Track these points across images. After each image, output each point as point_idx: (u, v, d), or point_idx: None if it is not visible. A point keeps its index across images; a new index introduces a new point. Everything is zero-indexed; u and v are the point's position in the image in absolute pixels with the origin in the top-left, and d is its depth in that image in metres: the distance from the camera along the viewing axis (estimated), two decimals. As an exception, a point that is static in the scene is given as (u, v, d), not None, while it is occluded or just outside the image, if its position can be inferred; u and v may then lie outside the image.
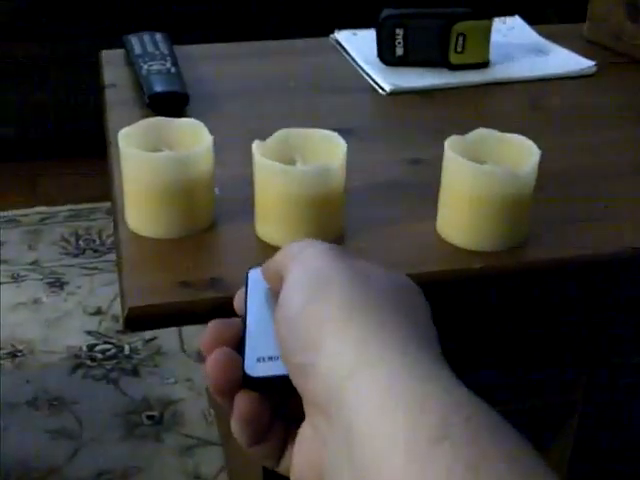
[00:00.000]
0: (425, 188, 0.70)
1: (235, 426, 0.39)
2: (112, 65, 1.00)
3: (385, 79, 0.96)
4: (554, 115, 0.92)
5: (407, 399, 0.31)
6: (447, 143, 0.64)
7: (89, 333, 1.68)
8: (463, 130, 0.66)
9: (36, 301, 1.77)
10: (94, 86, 1.01)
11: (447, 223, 0.66)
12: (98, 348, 1.64)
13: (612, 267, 0.67)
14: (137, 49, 0.97)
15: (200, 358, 1.55)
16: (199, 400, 1.48)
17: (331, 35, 1.12)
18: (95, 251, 1.95)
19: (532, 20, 1.17)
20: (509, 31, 1.13)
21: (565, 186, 0.75)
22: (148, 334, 1.66)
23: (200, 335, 0.42)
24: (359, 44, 1.07)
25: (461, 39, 0.97)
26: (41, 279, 1.84)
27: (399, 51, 0.99)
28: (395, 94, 0.94)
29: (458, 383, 0.32)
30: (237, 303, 0.44)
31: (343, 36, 1.11)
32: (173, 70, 0.91)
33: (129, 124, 0.66)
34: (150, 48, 0.97)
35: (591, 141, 0.85)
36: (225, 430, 1.29)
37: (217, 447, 1.40)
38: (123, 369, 1.59)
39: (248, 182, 0.64)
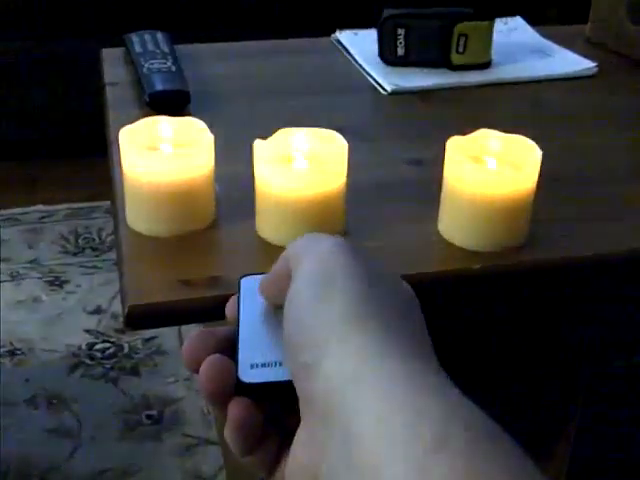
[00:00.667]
0: (426, 188, 0.70)
1: (229, 434, 0.38)
2: (113, 64, 1.00)
3: (386, 79, 0.96)
4: (555, 116, 0.92)
5: (406, 408, 0.31)
6: (448, 143, 0.64)
7: (88, 332, 1.68)
8: (464, 130, 0.66)
9: (35, 300, 1.77)
10: (94, 85, 1.01)
11: (448, 223, 0.66)
12: (97, 347, 1.64)
13: (612, 268, 0.67)
14: (138, 48, 0.97)
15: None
16: (198, 399, 1.47)
17: (332, 35, 1.12)
18: (94, 250, 1.95)
19: (534, 21, 1.17)
20: (511, 32, 1.13)
21: (566, 187, 0.74)
22: (148, 333, 1.66)
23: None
24: (360, 44, 1.07)
25: (463, 39, 0.97)
26: (40, 278, 1.84)
27: (400, 51, 0.99)
28: (396, 94, 0.94)
29: (457, 393, 0.32)
30: (229, 310, 0.44)
31: (344, 36, 1.11)
32: (174, 69, 0.91)
33: (130, 123, 0.66)
34: (151, 47, 0.97)
35: (592, 142, 0.85)
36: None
37: (216, 446, 1.40)
38: (122, 368, 1.59)
39: (249, 181, 0.64)
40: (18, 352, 1.62)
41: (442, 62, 0.99)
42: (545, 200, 0.67)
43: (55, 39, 2.17)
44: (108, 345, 1.65)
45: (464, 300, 0.68)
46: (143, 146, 0.64)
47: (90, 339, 1.66)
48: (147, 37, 1.00)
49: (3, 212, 2.07)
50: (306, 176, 0.61)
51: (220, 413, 0.39)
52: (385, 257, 0.63)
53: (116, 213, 0.68)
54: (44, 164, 2.28)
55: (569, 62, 1.04)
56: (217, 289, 0.58)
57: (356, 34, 1.11)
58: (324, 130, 0.65)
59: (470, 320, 0.73)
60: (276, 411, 0.39)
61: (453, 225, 0.65)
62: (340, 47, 1.09)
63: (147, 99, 0.86)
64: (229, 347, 0.40)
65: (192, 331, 0.41)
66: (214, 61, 1.03)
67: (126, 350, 1.63)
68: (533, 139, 0.65)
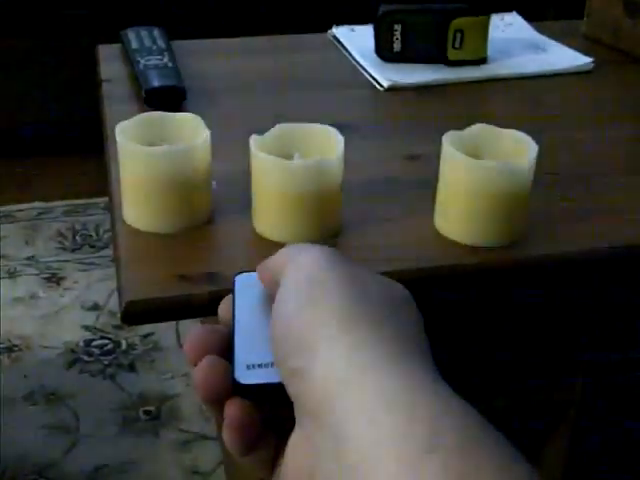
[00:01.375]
0: (423, 183, 0.70)
1: (226, 435, 0.38)
2: (109, 60, 1.00)
3: (383, 75, 0.96)
4: (552, 111, 0.92)
5: (397, 409, 0.31)
6: (445, 138, 0.64)
7: (86, 328, 1.68)
8: (461, 126, 0.66)
9: (33, 296, 1.77)
10: (91, 81, 1.01)
11: (445, 218, 0.66)
12: (95, 343, 1.64)
13: (609, 263, 0.67)
14: (134, 44, 0.97)
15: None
16: (196, 395, 1.47)
17: (329, 31, 1.12)
18: (92, 246, 1.95)
19: (530, 16, 1.17)
20: (507, 27, 1.13)
21: (562, 182, 0.75)
22: (145, 329, 1.66)
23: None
24: (357, 40, 1.07)
25: (459, 35, 0.97)
26: (38, 274, 1.84)
27: (397, 47, 0.99)
28: (393, 90, 0.94)
29: (449, 393, 0.32)
30: (222, 311, 0.44)
31: (341, 32, 1.11)
32: (170, 65, 0.91)
33: (126, 119, 0.66)
34: (147, 43, 0.97)
35: (589, 137, 0.85)
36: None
37: (214, 442, 1.40)
38: (120, 364, 1.59)
39: (245, 177, 0.64)
40: (16, 349, 1.62)
41: (438, 58, 0.99)
42: (541, 195, 0.67)
43: (51, 35, 2.17)
44: (106, 341, 1.65)
45: (460, 295, 0.68)
46: (139, 142, 0.64)
47: (88, 335, 1.66)
48: (143, 33, 1.00)
49: (0, 209, 2.06)
50: (303, 172, 0.61)
51: (216, 414, 0.39)
52: (382, 252, 0.64)
53: (113, 209, 0.68)
54: (41, 161, 2.28)
55: (565, 57, 1.04)
56: (214, 284, 0.58)
57: (353, 30, 1.11)
58: (321, 126, 0.65)
59: (466, 315, 0.73)
60: (273, 410, 0.39)
61: (450, 220, 0.65)
62: (337, 43, 1.09)
63: (144, 95, 0.85)
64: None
65: (190, 327, 0.41)
66: (211, 57, 1.03)
67: (124, 346, 1.63)
68: (529, 134, 0.65)
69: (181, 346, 1.60)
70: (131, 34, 1.00)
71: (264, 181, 0.63)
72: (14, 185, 2.19)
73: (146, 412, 1.48)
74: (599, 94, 0.97)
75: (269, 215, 0.64)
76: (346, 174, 0.64)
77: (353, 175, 0.67)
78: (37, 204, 2.10)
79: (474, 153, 0.64)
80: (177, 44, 1.00)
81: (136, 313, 0.58)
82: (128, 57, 0.96)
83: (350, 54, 1.04)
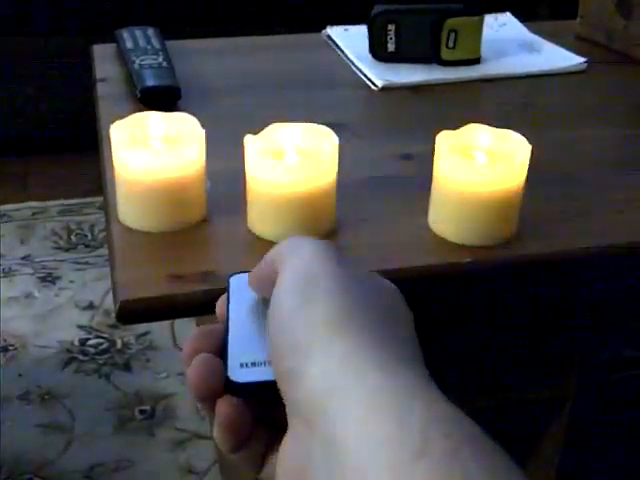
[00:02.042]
0: (417, 183, 0.70)
1: (217, 432, 0.38)
2: (104, 59, 1.00)
3: (377, 75, 0.97)
4: (545, 111, 0.92)
5: (389, 414, 0.31)
6: (438, 138, 0.64)
7: (81, 327, 1.68)
8: (454, 125, 0.66)
9: (28, 296, 1.77)
10: (85, 80, 1.01)
11: (438, 218, 0.66)
12: (90, 342, 1.64)
13: (601, 263, 0.68)
14: (129, 43, 0.97)
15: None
16: (191, 394, 1.48)
17: (323, 31, 1.12)
18: (87, 246, 1.95)
19: (523, 17, 1.17)
20: (500, 27, 1.13)
21: (555, 182, 0.75)
22: (140, 329, 1.66)
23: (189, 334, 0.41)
24: (351, 40, 1.08)
25: (453, 35, 0.97)
26: (33, 274, 1.84)
27: (391, 47, 1.00)
28: (387, 89, 0.95)
29: (440, 397, 0.32)
30: (219, 309, 0.44)
31: (335, 32, 1.11)
32: (165, 64, 0.91)
33: (121, 118, 0.66)
34: (142, 43, 0.97)
35: (581, 137, 0.85)
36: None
37: (209, 441, 1.40)
38: (115, 363, 1.59)
39: (240, 176, 0.65)
40: (11, 348, 1.62)
41: (432, 58, 0.99)
42: (534, 194, 0.67)
43: (46, 35, 2.17)
44: (101, 341, 1.65)
45: (453, 294, 0.68)
46: (134, 142, 0.64)
47: (83, 335, 1.66)
48: (138, 33, 1.00)
49: (-5, 208, 2.07)
50: (297, 171, 0.62)
51: (209, 411, 0.39)
52: (376, 251, 0.64)
53: (108, 209, 0.68)
54: (36, 160, 2.27)
55: (559, 57, 1.04)
56: (209, 284, 0.59)
57: (347, 30, 1.12)
58: (315, 125, 0.65)
59: (459, 314, 0.74)
60: (265, 407, 0.39)
61: (443, 219, 0.66)
62: (331, 43, 1.09)
63: (138, 95, 0.86)
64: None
65: (185, 326, 0.41)
66: (205, 57, 1.03)
67: (119, 346, 1.64)
68: (522, 134, 0.65)
69: (176, 345, 1.61)
70: (126, 34, 1.00)
71: (258, 180, 0.63)
72: (9, 185, 2.19)
73: (141, 411, 1.48)
74: (592, 94, 0.97)
75: (263, 214, 0.64)
76: (340, 173, 0.64)
77: (347, 174, 0.67)
78: (32, 203, 2.10)
79: (467, 153, 0.64)
80: (171, 44, 1.00)
81: (131, 312, 0.58)
82: (123, 57, 0.96)
83: (344, 54, 1.05)
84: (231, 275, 0.45)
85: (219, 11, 2.21)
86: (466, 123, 0.66)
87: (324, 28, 1.12)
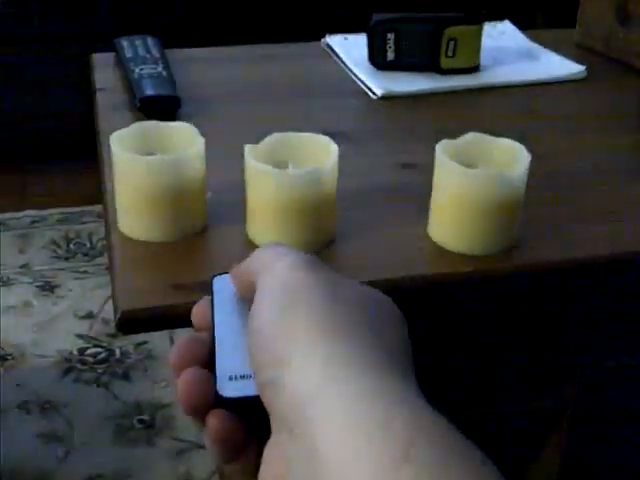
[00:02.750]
0: (416, 192, 0.70)
1: (208, 445, 0.38)
2: (103, 68, 1.00)
3: (377, 83, 0.97)
4: (544, 119, 0.92)
5: (371, 421, 0.30)
6: (438, 147, 0.64)
7: (80, 337, 1.68)
8: (454, 134, 0.66)
9: (26, 305, 1.77)
10: (85, 89, 1.01)
11: (438, 226, 0.66)
12: (89, 352, 1.64)
13: (602, 269, 0.68)
14: (128, 52, 0.97)
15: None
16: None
17: (323, 40, 1.13)
18: (85, 255, 1.95)
19: (522, 25, 1.18)
20: (500, 36, 1.14)
21: (555, 190, 0.75)
22: (139, 338, 1.66)
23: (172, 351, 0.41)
24: (350, 48, 1.08)
25: (452, 44, 0.98)
26: (32, 282, 1.84)
27: (390, 55, 1.00)
28: (386, 98, 0.95)
29: (423, 404, 0.32)
30: (196, 316, 0.43)
31: (335, 40, 1.11)
32: (164, 73, 0.91)
33: (120, 127, 0.66)
34: (141, 52, 0.97)
35: (581, 145, 0.85)
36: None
37: (208, 451, 1.40)
38: (114, 373, 1.59)
39: (240, 185, 0.65)
40: (9, 357, 1.62)
41: (432, 66, 1.00)
42: (534, 203, 0.68)
43: (45, 44, 2.17)
44: (100, 350, 1.65)
45: (453, 303, 0.68)
46: (134, 151, 0.64)
47: (81, 344, 1.66)
48: (137, 42, 1.00)
49: (-7, 217, 2.07)
50: (297, 181, 0.62)
51: (200, 424, 0.39)
52: (376, 260, 0.64)
53: (108, 218, 0.68)
54: (34, 169, 2.28)
55: (558, 66, 1.05)
56: (209, 293, 0.58)
57: (346, 39, 1.12)
58: (315, 134, 0.66)
59: (459, 322, 0.74)
60: (256, 418, 0.38)
61: (443, 228, 0.66)
62: (330, 52, 1.09)
63: (138, 104, 0.86)
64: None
65: (184, 336, 0.41)
66: (205, 66, 1.04)
67: (118, 355, 1.63)
68: (522, 142, 0.65)
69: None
70: (125, 43, 1.00)
71: (258, 190, 0.63)
72: (7, 193, 2.19)
73: (140, 421, 1.48)
74: (592, 102, 0.98)
75: (264, 224, 0.64)
76: (340, 182, 0.65)
77: (347, 183, 0.67)
78: (31, 212, 2.10)
79: (467, 162, 0.64)
80: (171, 53, 1.00)
81: (131, 322, 0.58)
82: (122, 66, 0.96)
83: (344, 63, 1.05)
84: (214, 276, 0.44)
85: (219, 20, 2.22)
86: (466, 132, 0.67)
87: (323, 37, 1.13)
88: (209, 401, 0.38)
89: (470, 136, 0.66)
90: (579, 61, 1.05)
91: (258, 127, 0.70)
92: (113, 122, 0.77)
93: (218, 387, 0.38)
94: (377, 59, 1.01)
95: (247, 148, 0.63)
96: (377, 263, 0.63)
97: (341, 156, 0.64)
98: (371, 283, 0.39)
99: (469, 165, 0.64)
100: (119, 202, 0.66)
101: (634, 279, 0.71)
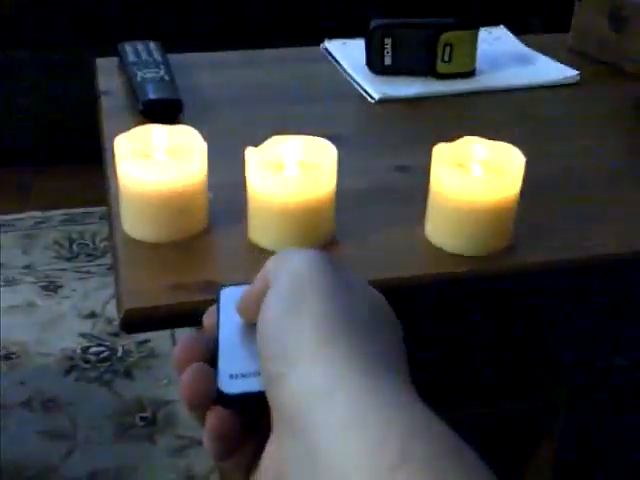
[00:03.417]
0: (413, 194, 0.71)
1: (206, 441, 0.39)
2: (107, 73, 1.01)
3: (374, 87, 0.98)
4: (539, 123, 0.93)
5: (371, 423, 0.31)
6: (434, 150, 0.66)
7: (83, 336, 1.69)
8: (450, 137, 0.67)
9: (30, 304, 1.78)
10: (89, 92, 1.02)
11: (434, 228, 0.67)
12: (92, 350, 1.65)
13: (595, 271, 0.69)
14: (131, 57, 0.98)
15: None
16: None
17: (321, 44, 1.14)
18: (89, 255, 1.96)
19: (517, 30, 1.19)
20: (495, 41, 1.15)
21: (549, 192, 0.76)
22: (141, 337, 1.67)
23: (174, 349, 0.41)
24: (348, 53, 1.09)
25: (448, 49, 0.99)
26: (35, 283, 1.85)
27: (387, 60, 1.01)
28: (384, 102, 0.96)
29: (421, 408, 0.32)
30: (207, 321, 0.44)
31: (333, 45, 1.12)
32: (167, 77, 0.93)
33: (124, 131, 0.67)
34: (144, 56, 0.99)
35: (575, 148, 0.86)
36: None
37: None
38: (116, 371, 1.60)
39: (241, 187, 0.66)
40: (13, 356, 1.63)
41: (428, 71, 1.01)
42: (529, 205, 0.68)
43: (50, 48, 2.18)
44: (102, 348, 1.66)
45: (449, 303, 0.69)
46: (137, 154, 0.65)
47: (84, 343, 1.67)
48: (140, 47, 1.02)
49: (-3, 218, 2.08)
50: (297, 183, 0.63)
51: (200, 420, 0.39)
52: (373, 261, 0.65)
53: (111, 219, 0.69)
54: (38, 170, 2.28)
55: (552, 70, 1.06)
56: (211, 293, 0.59)
57: (344, 43, 1.13)
58: (314, 138, 0.67)
59: (455, 322, 0.75)
60: (254, 416, 0.39)
61: (439, 230, 0.67)
62: (329, 56, 1.10)
63: (141, 107, 0.87)
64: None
65: (188, 334, 0.42)
66: (206, 70, 1.04)
67: (120, 353, 1.64)
68: (517, 146, 0.66)
69: (177, 353, 1.61)
70: (128, 47, 1.01)
71: (259, 192, 0.64)
72: (11, 194, 2.20)
73: (142, 418, 1.49)
74: (585, 106, 0.98)
75: (264, 225, 0.65)
76: (339, 185, 0.66)
77: (346, 186, 0.68)
78: (34, 213, 2.11)
79: (463, 164, 0.65)
80: (173, 57, 1.01)
81: (135, 321, 0.59)
82: (125, 70, 0.97)
83: (342, 67, 1.06)
84: (221, 287, 0.45)
85: (220, 25, 2.22)
86: (462, 135, 0.67)
87: (322, 42, 1.14)
88: (210, 397, 0.38)
89: (465, 139, 0.67)
90: (573, 65, 1.06)
91: (258, 130, 0.70)
92: (116, 125, 0.78)
93: (219, 384, 0.38)
94: (375, 64, 1.02)
95: (248, 151, 0.64)
96: (375, 264, 0.65)
97: (339, 159, 0.65)
98: (369, 283, 0.40)
99: (465, 168, 0.65)
100: (123, 204, 0.67)
101: (627, 280, 0.73)
